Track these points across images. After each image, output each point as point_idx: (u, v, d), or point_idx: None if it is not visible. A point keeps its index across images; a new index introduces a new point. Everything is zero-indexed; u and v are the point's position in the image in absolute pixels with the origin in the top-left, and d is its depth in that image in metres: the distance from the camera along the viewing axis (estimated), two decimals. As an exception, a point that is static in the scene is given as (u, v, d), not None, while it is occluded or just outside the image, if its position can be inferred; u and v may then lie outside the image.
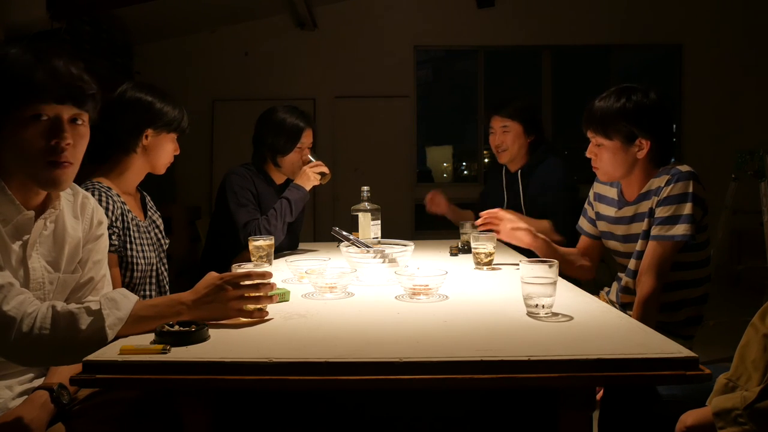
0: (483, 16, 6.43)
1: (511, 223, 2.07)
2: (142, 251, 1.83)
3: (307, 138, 2.56)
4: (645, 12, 6.35)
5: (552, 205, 2.68)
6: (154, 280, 1.88)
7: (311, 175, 2.49)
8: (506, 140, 2.79)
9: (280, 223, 2.41)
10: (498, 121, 2.82)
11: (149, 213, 1.96)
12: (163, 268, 1.94)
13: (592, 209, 2.11)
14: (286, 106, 2.62)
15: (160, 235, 1.97)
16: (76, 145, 1.29)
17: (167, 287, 1.95)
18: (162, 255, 1.96)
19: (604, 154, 1.90)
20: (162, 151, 1.89)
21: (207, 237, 2.67)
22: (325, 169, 2.53)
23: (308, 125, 2.57)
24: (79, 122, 1.29)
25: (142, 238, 1.85)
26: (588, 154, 1.94)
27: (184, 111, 1.93)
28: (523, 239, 2.07)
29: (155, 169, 1.92)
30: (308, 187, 2.50)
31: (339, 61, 6.45)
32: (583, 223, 2.16)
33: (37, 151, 1.24)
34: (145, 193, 1.99)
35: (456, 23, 6.48)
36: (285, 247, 2.59)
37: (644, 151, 1.85)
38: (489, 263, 2.00)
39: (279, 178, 2.64)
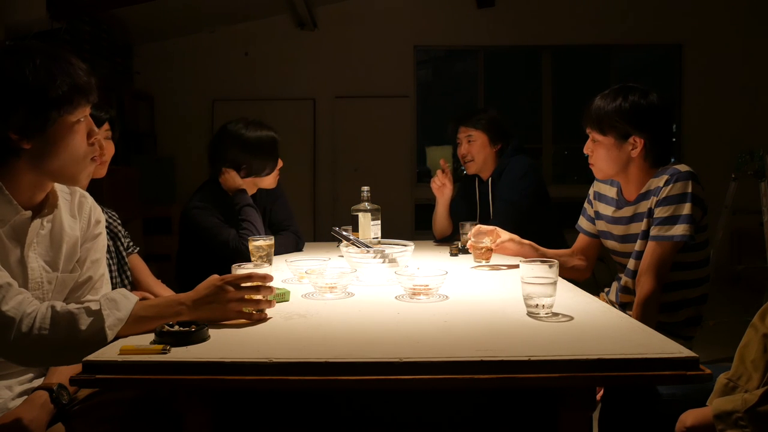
0: (483, 16, 6.43)
1: (496, 236, 2.09)
2: None
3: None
4: (645, 12, 6.34)
5: (511, 197, 2.67)
6: None
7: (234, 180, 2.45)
8: (472, 150, 2.80)
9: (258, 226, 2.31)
10: (463, 132, 2.83)
11: None
12: None
13: (592, 207, 2.12)
14: None
15: None
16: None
17: None
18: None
19: (599, 151, 1.92)
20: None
21: (176, 276, 2.47)
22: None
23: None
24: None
25: None
26: (585, 151, 1.97)
27: None
28: (509, 248, 2.09)
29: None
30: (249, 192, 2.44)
31: (339, 61, 6.45)
32: (582, 221, 2.16)
33: (84, 152, 1.29)
34: None
35: (456, 23, 6.47)
36: (292, 249, 2.54)
37: (638, 149, 1.86)
38: (488, 258, 2.08)
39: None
